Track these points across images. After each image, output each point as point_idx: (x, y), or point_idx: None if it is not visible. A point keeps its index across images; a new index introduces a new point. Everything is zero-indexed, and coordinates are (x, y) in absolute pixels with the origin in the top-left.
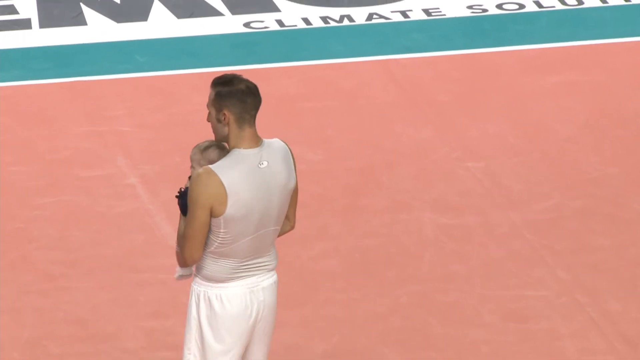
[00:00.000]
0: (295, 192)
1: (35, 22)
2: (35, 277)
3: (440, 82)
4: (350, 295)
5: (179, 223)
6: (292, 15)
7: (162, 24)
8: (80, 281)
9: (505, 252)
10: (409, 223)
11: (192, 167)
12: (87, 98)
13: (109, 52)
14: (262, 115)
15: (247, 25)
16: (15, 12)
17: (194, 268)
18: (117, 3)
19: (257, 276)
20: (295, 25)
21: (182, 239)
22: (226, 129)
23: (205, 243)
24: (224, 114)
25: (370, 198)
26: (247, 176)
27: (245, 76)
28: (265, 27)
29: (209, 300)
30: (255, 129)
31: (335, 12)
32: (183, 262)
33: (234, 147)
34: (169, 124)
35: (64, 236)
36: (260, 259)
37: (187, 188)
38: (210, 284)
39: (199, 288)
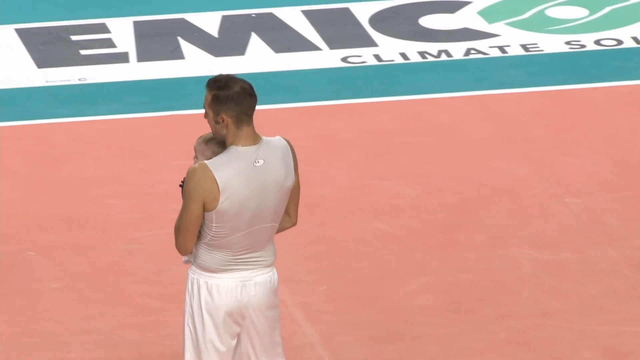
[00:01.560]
0: (296, 189)
1: (132, 55)
2: (132, 311)
3: (537, 118)
4: (447, 330)
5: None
6: (390, 50)
7: (259, 58)
8: (177, 315)
9: (604, 288)
10: (506, 259)
11: (195, 157)
12: (183, 132)
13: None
14: (358, 150)
15: (344, 59)
16: (113, 45)
17: None
18: (214, 37)
19: (250, 270)
20: (393, 60)
21: (176, 229)
22: (224, 130)
23: (200, 234)
24: (222, 117)
25: (467, 234)
26: (241, 173)
27: (339, 110)
28: (363, 62)
29: (201, 288)
30: (253, 127)
31: (433, 47)
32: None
33: (231, 144)
34: None
35: (160, 270)
36: (255, 254)
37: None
38: (204, 273)
39: (193, 275)
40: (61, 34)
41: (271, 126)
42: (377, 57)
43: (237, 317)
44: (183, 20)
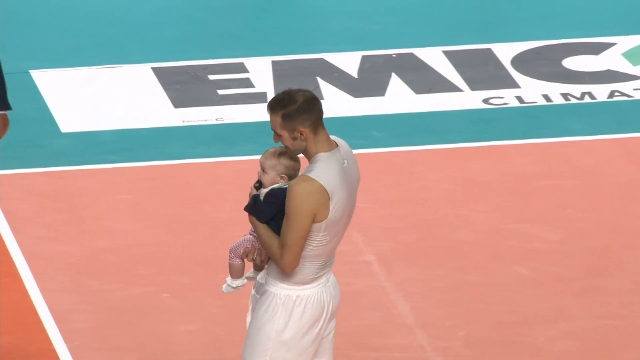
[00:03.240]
0: None
1: (271, 95)
2: None
3: None
4: None
5: (260, 231)
6: (532, 92)
7: (399, 99)
8: None
9: None
10: None
11: (263, 172)
12: None
13: (345, 126)
14: (498, 193)
15: (486, 101)
16: (252, 85)
17: (245, 280)
18: (354, 77)
19: (327, 274)
20: (535, 102)
21: (282, 247)
22: (304, 142)
23: None
24: (300, 131)
25: (609, 279)
26: (339, 177)
27: (480, 152)
28: (505, 104)
29: (296, 302)
30: (326, 130)
31: (576, 89)
32: (254, 267)
33: (316, 153)
34: (404, 201)
35: None
36: (333, 257)
37: (256, 195)
38: (295, 287)
39: (281, 292)
40: (198, 73)
41: (412, 168)
42: (519, 98)
43: (324, 321)
44: (322, 60)
